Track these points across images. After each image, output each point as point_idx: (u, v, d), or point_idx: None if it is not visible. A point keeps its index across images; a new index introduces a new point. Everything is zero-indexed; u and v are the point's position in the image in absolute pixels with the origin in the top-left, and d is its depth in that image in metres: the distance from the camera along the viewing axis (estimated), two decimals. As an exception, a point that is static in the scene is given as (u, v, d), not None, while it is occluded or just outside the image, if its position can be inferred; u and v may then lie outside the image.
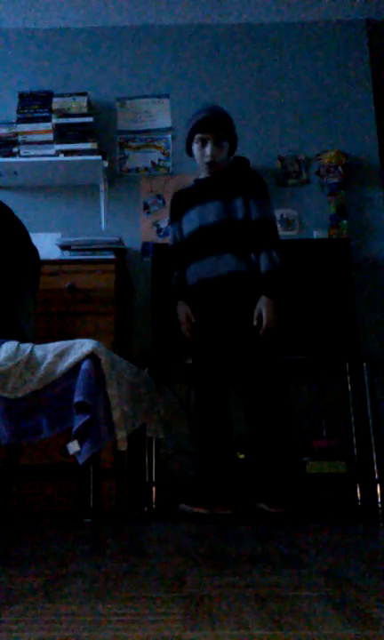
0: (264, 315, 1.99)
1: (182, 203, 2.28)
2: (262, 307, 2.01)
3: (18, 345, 1.65)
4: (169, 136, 3.02)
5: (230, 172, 2.23)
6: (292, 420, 2.58)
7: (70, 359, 1.61)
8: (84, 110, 2.80)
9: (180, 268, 2.25)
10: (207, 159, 2.20)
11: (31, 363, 1.61)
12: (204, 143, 2.20)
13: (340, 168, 2.82)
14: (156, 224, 2.91)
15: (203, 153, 2.21)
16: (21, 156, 2.78)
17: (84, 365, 1.59)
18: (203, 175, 2.28)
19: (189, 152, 2.28)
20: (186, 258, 2.22)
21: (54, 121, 2.78)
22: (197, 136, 2.20)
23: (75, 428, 1.54)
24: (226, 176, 2.22)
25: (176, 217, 2.30)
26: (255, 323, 2.02)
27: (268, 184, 2.92)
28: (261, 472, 1.96)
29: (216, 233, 2.14)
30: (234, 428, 2.27)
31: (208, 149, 2.19)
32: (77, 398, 1.54)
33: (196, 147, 2.22)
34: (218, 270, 2.10)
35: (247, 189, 2.16)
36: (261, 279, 2.05)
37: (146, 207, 2.93)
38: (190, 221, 2.21)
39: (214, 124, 2.17)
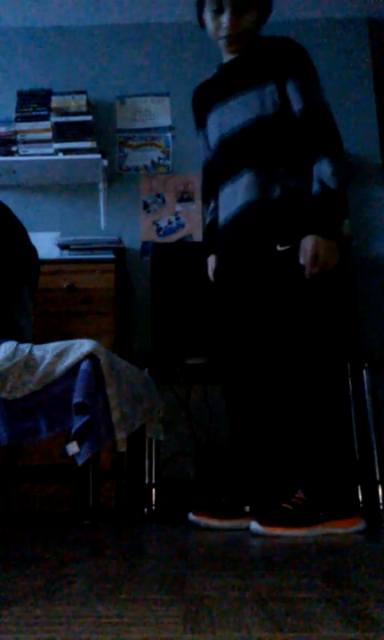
0: (309, 254, 1.43)
1: (204, 101, 1.71)
2: (307, 247, 1.44)
3: (17, 345, 1.64)
4: (169, 135, 3.02)
5: (260, 47, 1.58)
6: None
7: (69, 359, 1.60)
8: (84, 109, 2.79)
9: (215, 198, 1.76)
10: (223, 32, 1.57)
11: (30, 363, 1.61)
12: (219, 8, 1.56)
13: (340, 167, 2.82)
14: (155, 223, 2.91)
15: (217, 23, 1.58)
16: (20, 155, 2.78)
17: (84, 366, 1.59)
18: (224, 58, 1.68)
19: (201, 23, 1.67)
20: (216, 183, 1.70)
21: (53, 119, 2.77)
22: (209, 5, 1.58)
23: (74, 429, 1.54)
24: (254, 54, 1.58)
25: (200, 123, 1.76)
26: (309, 273, 1.45)
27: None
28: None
29: (237, 144, 1.56)
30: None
31: (225, 17, 1.55)
32: (76, 399, 1.54)
33: (208, 14, 1.60)
34: (234, 202, 1.56)
35: (281, 67, 1.51)
36: (309, 208, 1.44)
37: (145, 206, 2.93)
38: (212, 130, 1.66)
39: None
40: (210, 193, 1.80)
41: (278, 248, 1.49)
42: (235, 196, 1.56)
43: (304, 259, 1.45)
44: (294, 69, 1.51)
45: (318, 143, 1.46)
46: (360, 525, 1.43)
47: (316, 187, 1.44)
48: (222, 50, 1.66)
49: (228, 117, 1.59)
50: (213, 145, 1.66)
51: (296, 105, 1.51)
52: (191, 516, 1.55)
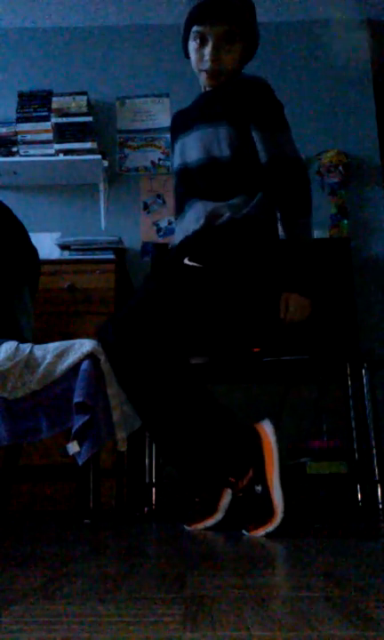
0: (290, 311, 1.48)
1: (177, 126, 1.69)
2: (289, 304, 1.47)
3: (17, 345, 1.65)
4: (169, 135, 3.02)
5: (234, 86, 1.52)
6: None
7: (70, 359, 1.61)
8: (84, 110, 2.80)
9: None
10: (205, 65, 1.51)
11: (30, 363, 1.61)
12: (203, 41, 1.50)
13: (340, 168, 2.82)
14: (155, 224, 2.91)
15: (200, 55, 1.52)
16: (21, 156, 2.78)
17: (84, 366, 1.59)
18: (203, 87, 1.64)
19: (187, 54, 1.61)
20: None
21: (54, 120, 2.78)
22: (194, 29, 1.50)
23: (74, 429, 1.54)
24: (226, 91, 1.53)
25: (172, 147, 1.75)
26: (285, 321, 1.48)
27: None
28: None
29: (194, 177, 1.54)
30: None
31: (208, 50, 1.50)
32: (77, 398, 1.54)
33: (192, 45, 1.53)
34: (181, 233, 1.54)
35: (245, 112, 1.46)
36: (285, 267, 1.47)
37: (146, 207, 2.93)
38: (176, 157, 1.65)
39: (221, 11, 1.45)
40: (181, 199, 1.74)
41: (185, 261, 1.45)
42: (185, 224, 1.55)
43: (283, 313, 1.50)
44: (261, 118, 1.47)
45: (291, 199, 1.44)
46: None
47: (292, 244, 1.45)
48: (201, 82, 1.62)
49: (187, 149, 1.58)
50: (175, 171, 1.65)
51: (264, 155, 1.47)
52: (187, 528, 1.53)
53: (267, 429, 1.39)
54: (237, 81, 1.53)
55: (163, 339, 1.38)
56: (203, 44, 1.51)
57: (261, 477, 1.35)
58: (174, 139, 1.69)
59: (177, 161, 1.64)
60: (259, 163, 1.50)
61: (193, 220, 1.52)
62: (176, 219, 1.69)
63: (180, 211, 1.62)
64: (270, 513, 1.31)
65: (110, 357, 1.39)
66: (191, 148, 1.57)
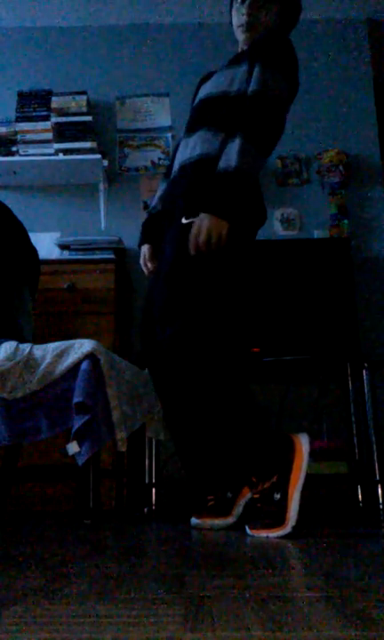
0: (192, 232, 1.38)
1: (202, 82, 1.78)
2: (199, 225, 1.38)
3: (17, 345, 1.65)
4: (169, 135, 3.02)
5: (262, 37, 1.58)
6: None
7: (70, 359, 1.60)
8: (84, 109, 2.79)
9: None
10: (241, 19, 1.62)
11: (30, 363, 1.61)
12: (242, 1, 1.62)
13: (340, 167, 2.82)
14: (155, 224, 2.91)
15: (237, 13, 1.64)
16: (21, 155, 2.78)
17: (84, 366, 1.59)
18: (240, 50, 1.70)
19: (232, 22, 1.71)
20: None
21: (53, 120, 2.77)
22: None
23: (74, 429, 1.54)
24: (252, 42, 1.60)
25: (193, 100, 1.82)
26: (191, 250, 1.39)
27: (268, 184, 2.91)
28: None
29: (202, 109, 1.59)
30: None
31: (245, 6, 1.61)
32: (77, 398, 1.54)
33: (234, 6, 1.67)
34: (184, 157, 1.56)
35: (256, 52, 1.53)
36: (210, 184, 1.39)
37: (146, 207, 2.93)
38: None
39: None
40: (168, 173, 1.78)
41: (183, 221, 1.47)
42: (186, 149, 1.56)
43: (193, 232, 1.40)
44: (264, 56, 1.49)
45: (242, 122, 1.40)
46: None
47: (221, 164, 1.39)
48: (239, 42, 1.67)
49: (207, 86, 1.62)
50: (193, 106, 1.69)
51: (250, 86, 1.47)
52: (194, 520, 1.57)
53: (303, 442, 1.38)
54: (266, 31, 1.58)
55: (205, 336, 1.37)
56: (243, 1, 1.62)
57: (284, 486, 1.34)
58: (198, 88, 1.73)
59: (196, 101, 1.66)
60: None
61: (190, 148, 1.53)
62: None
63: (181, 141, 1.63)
64: (281, 521, 1.30)
65: (156, 378, 1.44)
66: (210, 86, 1.61)
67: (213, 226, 1.36)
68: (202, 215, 1.39)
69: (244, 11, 1.61)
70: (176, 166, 1.59)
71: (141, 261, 1.75)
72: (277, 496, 1.33)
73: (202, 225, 1.38)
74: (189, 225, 1.45)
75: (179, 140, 1.78)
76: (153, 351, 1.58)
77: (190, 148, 1.54)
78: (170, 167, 1.79)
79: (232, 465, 1.46)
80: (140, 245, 1.77)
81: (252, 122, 1.40)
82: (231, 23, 1.70)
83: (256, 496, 1.39)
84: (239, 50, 1.70)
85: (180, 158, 1.58)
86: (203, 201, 1.39)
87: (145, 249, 1.75)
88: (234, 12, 1.66)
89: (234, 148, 1.38)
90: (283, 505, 1.32)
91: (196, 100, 1.66)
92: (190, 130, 1.58)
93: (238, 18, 1.63)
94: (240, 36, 1.65)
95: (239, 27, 1.63)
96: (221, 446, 1.44)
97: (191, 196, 1.48)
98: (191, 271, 1.43)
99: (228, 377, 1.39)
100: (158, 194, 1.80)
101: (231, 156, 1.37)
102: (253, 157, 1.38)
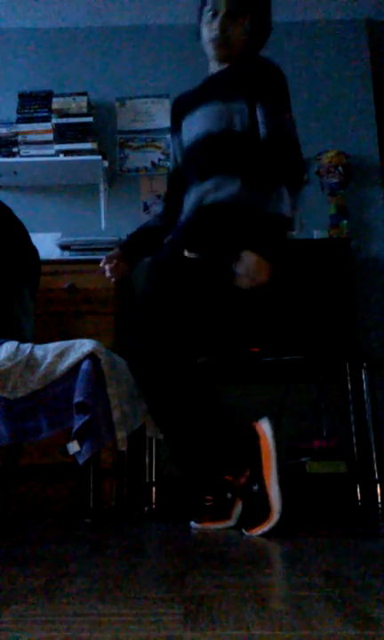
0: (248, 268, 1.41)
1: (182, 107, 1.71)
2: (248, 261, 1.41)
3: (18, 345, 1.65)
4: (169, 136, 3.02)
5: (243, 63, 1.57)
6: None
7: (70, 359, 1.61)
8: (84, 110, 2.80)
9: (170, 206, 1.77)
10: (213, 34, 1.58)
11: (31, 363, 1.61)
12: (214, 14, 1.58)
13: (340, 168, 2.82)
14: (155, 224, 2.91)
15: (210, 28, 1.59)
16: (21, 156, 2.78)
17: (84, 365, 1.59)
18: (211, 68, 1.68)
19: (198, 36, 1.67)
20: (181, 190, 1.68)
21: (54, 121, 2.78)
22: (207, 8, 1.59)
23: (75, 428, 1.54)
24: (236, 69, 1.58)
25: (175, 127, 1.75)
26: (243, 286, 1.44)
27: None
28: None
29: (205, 150, 1.56)
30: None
31: (216, 22, 1.57)
32: (77, 398, 1.54)
33: (204, 22, 1.62)
34: (195, 200, 1.54)
35: (253, 88, 1.50)
36: (256, 231, 1.42)
37: (146, 207, 2.93)
38: (187, 133, 1.65)
39: None
40: (171, 199, 1.80)
41: (185, 254, 1.49)
42: (196, 195, 1.56)
43: (242, 270, 1.44)
44: (265, 93, 1.49)
45: (280, 173, 1.43)
46: None
47: (271, 208, 1.42)
48: (210, 58, 1.65)
49: (201, 122, 1.59)
50: (187, 145, 1.65)
51: (264, 131, 1.48)
52: (194, 525, 1.56)
53: (264, 428, 1.39)
54: (252, 59, 1.56)
55: (173, 341, 1.43)
56: (214, 16, 1.58)
57: (258, 476, 1.34)
58: (183, 116, 1.67)
59: (189, 137, 1.62)
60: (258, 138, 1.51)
61: (200, 195, 1.53)
62: (172, 203, 1.75)
63: (185, 189, 1.61)
64: (267, 512, 1.31)
65: (134, 372, 1.45)
66: (204, 122, 1.57)
67: (265, 267, 1.41)
68: (252, 255, 1.41)
69: (216, 25, 1.57)
70: (188, 210, 1.56)
71: (107, 255, 1.77)
72: (256, 487, 1.34)
73: (257, 265, 1.40)
74: (191, 259, 1.47)
75: (174, 171, 1.78)
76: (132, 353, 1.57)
77: (202, 193, 1.53)
78: (169, 196, 1.80)
79: (203, 465, 1.47)
80: (121, 247, 1.80)
81: (288, 169, 1.43)
82: (199, 36, 1.65)
83: (238, 494, 1.40)
84: (211, 66, 1.67)
85: (191, 202, 1.55)
86: (255, 242, 1.42)
87: (119, 252, 1.78)
88: (204, 26, 1.62)
89: (285, 199, 1.41)
90: (263, 495, 1.32)
91: (192, 139, 1.61)
92: (200, 176, 1.55)
93: (210, 32, 1.59)
94: (211, 51, 1.61)
95: (211, 41, 1.59)
96: (190, 447, 1.45)
97: (217, 240, 1.49)
98: (177, 295, 1.47)
99: (185, 378, 1.41)
100: (159, 213, 1.83)
101: (285, 206, 1.40)
102: (298, 202, 1.46)
